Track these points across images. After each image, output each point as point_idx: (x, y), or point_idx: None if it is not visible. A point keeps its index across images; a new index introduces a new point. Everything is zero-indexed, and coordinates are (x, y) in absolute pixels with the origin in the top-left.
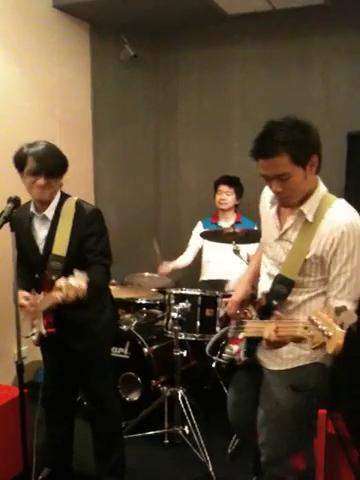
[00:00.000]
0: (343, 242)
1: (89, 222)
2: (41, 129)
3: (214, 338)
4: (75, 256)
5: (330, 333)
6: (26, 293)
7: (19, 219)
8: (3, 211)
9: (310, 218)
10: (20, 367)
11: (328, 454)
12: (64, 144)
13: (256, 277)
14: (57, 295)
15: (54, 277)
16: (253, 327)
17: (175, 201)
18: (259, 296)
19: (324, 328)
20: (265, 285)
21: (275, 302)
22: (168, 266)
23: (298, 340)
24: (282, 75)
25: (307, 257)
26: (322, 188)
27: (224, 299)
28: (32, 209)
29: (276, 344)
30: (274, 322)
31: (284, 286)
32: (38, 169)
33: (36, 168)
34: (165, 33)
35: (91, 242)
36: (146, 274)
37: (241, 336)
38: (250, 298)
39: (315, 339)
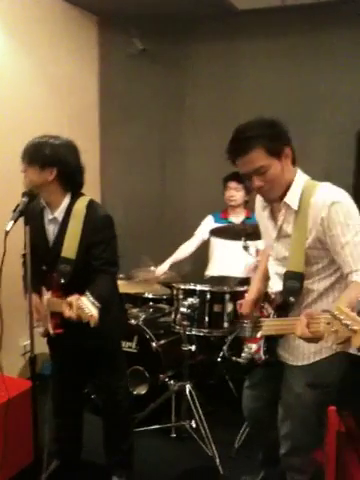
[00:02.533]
0: (332, 217)
1: (98, 229)
2: (49, 122)
3: (231, 338)
4: (84, 259)
5: (355, 327)
6: (36, 297)
7: (31, 210)
8: (18, 205)
9: (295, 206)
10: (33, 360)
11: (338, 451)
12: (72, 137)
13: (267, 276)
14: (66, 311)
15: (63, 280)
16: (273, 325)
17: (181, 195)
18: (272, 295)
19: (349, 322)
20: (276, 285)
21: (292, 298)
22: (164, 267)
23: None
24: (291, 71)
25: (307, 245)
26: (302, 176)
27: (238, 302)
28: (43, 202)
29: (312, 340)
30: (299, 319)
31: (295, 280)
32: (22, 155)
33: (22, 154)
34: (174, 27)
35: (99, 250)
36: (152, 268)
37: (259, 335)
38: (264, 297)
39: (340, 334)
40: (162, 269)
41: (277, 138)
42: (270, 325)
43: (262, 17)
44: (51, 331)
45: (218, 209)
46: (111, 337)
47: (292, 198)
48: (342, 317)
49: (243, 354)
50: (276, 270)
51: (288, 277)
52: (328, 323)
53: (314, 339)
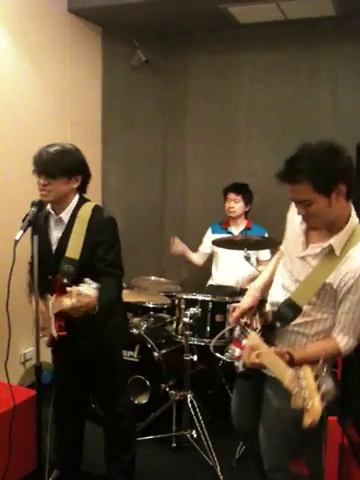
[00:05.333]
0: (358, 283)
1: (101, 229)
2: (53, 130)
3: (220, 334)
4: (88, 260)
5: (309, 405)
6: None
7: (36, 218)
8: (27, 214)
9: (338, 252)
10: (38, 368)
11: (339, 460)
12: (74, 145)
13: (267, 287)
14: (67, 302)
15: (66, 280)
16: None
17: (181, 205)
18: (268, 306)
19: (306, 395)
20: (277, 295)
21: (278, 324)
22: (182, 245)
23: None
24: (291, 83)
25: (323, 284)
26: (354, 220)
27: (232, 304)
28: (49, 208)
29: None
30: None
31: (291, 311)
32: (36, 168)
33: (35, 167)
34: (175, 38)
35: (101, 250)
36: (152, 278)
37: (244, 343)
38: (258, 306)
39: (297, 400)
40: (182, 247)
41: (330, 174)
42: (254, 341)
43: (263, 30)
44: (55, 334)
45: (218, 218)
46: (113, 341)
47: (339, 244)
48: (304, 384)
49: (226, 353)
50: (284, 282)
51: (287, 304)
52: (292, 380)
53: (260, 366)
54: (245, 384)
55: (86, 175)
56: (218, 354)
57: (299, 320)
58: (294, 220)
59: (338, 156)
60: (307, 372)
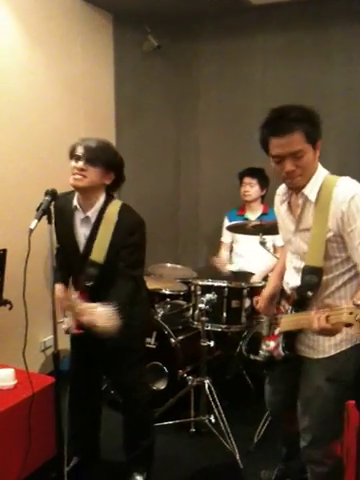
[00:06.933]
0: (352, 212)
1: (130, 233)
2: (65, 120)
3: (248, 337)
4: (112, 263)
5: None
6: (62, 287)
7: (61, 209)
8: (41, 203)
9: (312, 197)
10: (56, 356)
11: (357, 443)
12: (88, 135)
13: (284, 273)
14: (84, 319)
15: (88, 283)
16: (290, 321)
17: (195, 192)
18: (288, 291)
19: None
20: (293, 280)
21: (310, 293)
22: (221, 259)
23: (346, 326)
24: (303, 66)
25: (326, 239)
26: (323, 170)
27: (255, 297)
28: (75, 203)
29: (331, 332)
30: (318, 312)
31: (314, 275)
32: (81, 153)
33: (79, 152)
34: (187, 23)
35: (127, 252)
36: (168, 265)
37: (277, 332)
38: (281, 293)
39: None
40: (223, 261)
41: (316, 126)
42: (288, 321)
43: (274, 12)
44: (74, 331)
45: (231, 206)
46: (135, 333)
47: (311, 190)
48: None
49: (261, 352)
50: (294, 264)
51: (306, 272)
52: (351, 313)
53: (332, 331)
54: (279, 369)
55: (120, 176)
56: (252, 356)
57: (326, 282)
58: (280, 210)
59: (317, 114)
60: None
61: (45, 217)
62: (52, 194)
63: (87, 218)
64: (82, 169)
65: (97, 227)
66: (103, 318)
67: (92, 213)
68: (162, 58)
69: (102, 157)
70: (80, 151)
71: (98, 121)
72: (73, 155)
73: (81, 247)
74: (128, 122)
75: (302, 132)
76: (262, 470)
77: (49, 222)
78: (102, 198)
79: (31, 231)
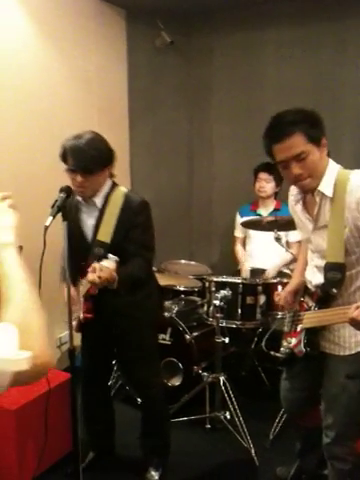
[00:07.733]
0: None
1: (137, 212)
2: (80, 116)
3: (268, 333)
4: (119, 244)
5: None
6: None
7: (67, 204)
8: (56, 200)
9: (329, 193)
10: (72, 352)
11: None
12: (102, 131)
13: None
14: (89, 276)
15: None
16: (315, 317)
17: (208, 186)
18: (312, 289)
19: None
20: (315, 278)
21: (334, 290)
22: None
23: None
24: (316, 59)
25: (345, 234)
26: (335, 165)
27: (275, 293)
28: (78, 197)
29: None
30: (344, 308)
31: (337, 272)
32: (74, 166)
33: (72, 165)
34: (198, 18)
35: (136, 233)
36: (182, 261)
37: (300, 328)
38: (304, 290)
39: None
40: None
41: (316, 125)
42: (312, 317)
43: (286, 4)
44: (81, 316)
45: (245, 201)
46: (144, 324)
47: (326, 186)
48: None
49: (282, 348)
50: (315, 263)
51: (329, 269)
52: None
53: None
54: (299, 366)
55: (114, 161)
56: (272, 352)
57: (350, 277)
58: (295, 210)
59: (317, 113)
60: None
61: (60, 214)
62: (67, 191)
63: (93, 203)
64: (82, 182)
65: (103, 211)
66: (105, 265)
67: (98, 199)
68: (175, 53)
69: (96, 159)
70: (72, 163)
71: (112, 116)
72: (65, 163)
73: (90, 235)
74: (141, 117)
75: (301, 133)
76: (278, 467)
77: (64, 219)
78: (107, 185)
79: (46, 228)
